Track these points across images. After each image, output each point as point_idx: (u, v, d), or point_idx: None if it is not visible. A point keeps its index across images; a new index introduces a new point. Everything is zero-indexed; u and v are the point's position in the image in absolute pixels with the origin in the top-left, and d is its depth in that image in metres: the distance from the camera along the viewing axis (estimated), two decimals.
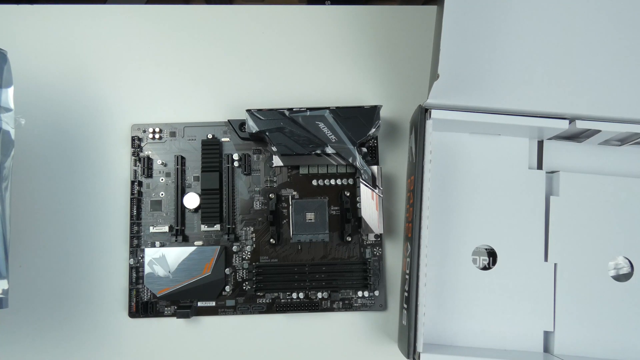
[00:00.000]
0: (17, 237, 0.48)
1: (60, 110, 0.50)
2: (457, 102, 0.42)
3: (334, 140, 0.45)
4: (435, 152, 0.46)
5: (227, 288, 0.48)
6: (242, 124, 0.48)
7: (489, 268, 0.46)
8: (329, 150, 0.45)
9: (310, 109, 0.46)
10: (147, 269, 0.46)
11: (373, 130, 0.46)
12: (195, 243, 0.48)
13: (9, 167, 0.39)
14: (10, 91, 0.39)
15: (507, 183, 0.46)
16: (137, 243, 0.48)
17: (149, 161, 0.49)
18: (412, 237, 0.41)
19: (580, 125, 0.42)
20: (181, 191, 0.48)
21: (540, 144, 0.48)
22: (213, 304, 0.47)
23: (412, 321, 0.40)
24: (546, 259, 0.45)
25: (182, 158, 0.49)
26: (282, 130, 0.45)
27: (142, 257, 0.47)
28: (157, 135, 0.49)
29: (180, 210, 0.48)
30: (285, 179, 0.49)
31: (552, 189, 0.47)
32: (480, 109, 0.42)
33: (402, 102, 0.51)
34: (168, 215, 0.48)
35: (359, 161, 0.46)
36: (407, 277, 0.42)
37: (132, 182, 0.49)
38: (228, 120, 0.49)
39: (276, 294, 0.48)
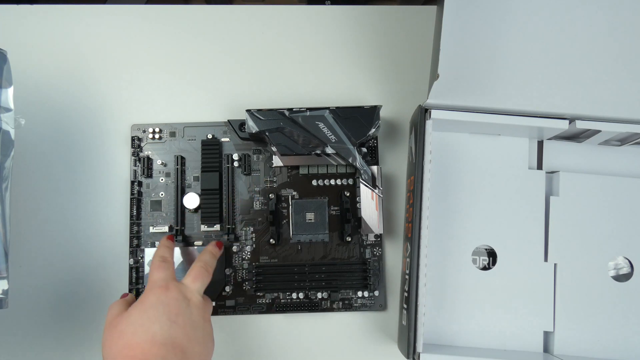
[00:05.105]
0: (17, 237, 0.48)
1: (60, 110, 0.50)
2: (457, 102, 0.42)
3: (333, 140, 0.45)
4: (435, 152, 0.46)
5: (227, 288, 0.48)
6: (242, 124, 0.48)
7: (489, 268, 0.46)
8: (329, 150, 0.45)
9: (310, 109, 0.46)
10: (147, 269, 0.46)
11: (373, 130, 0.46)
12: (195, 243, 0.48)
13: (9, 167, 0.39)
14: (10, 91, 0.39)
15: (507, 183, 0.46)
16: (137, 243, 0.48)
17: (148, 161, 0.49)
18: (412, 237, 0.41)
19: (580, 125, 0.42)
20: (181, 191, 0.48)
21: (540, 144, 0.48)
22: (213, 304, 0.47)
23: (412, 321, 0.40)
24: (546, 259, 0.45)
25: (182, 158, 0.49)
26: (282, 130, 0.45)
27: (142, 257, 0.47)
28: (157, 135, 0.49)
29: (180, 210, 0.48)
30: (285, 179, 0.49)
31: (552, 189, 0.47)
32: (480, 109, 0.42)
33: (402, 102, 0.51)
34: (168, 215, 0.48)
35: (358, 161, 0.46)
36: (407, 277, 0.42)
37: (132, 182, 0.48)
38: (228, 120, 0.49)
39: (276, 294, 0.48)
